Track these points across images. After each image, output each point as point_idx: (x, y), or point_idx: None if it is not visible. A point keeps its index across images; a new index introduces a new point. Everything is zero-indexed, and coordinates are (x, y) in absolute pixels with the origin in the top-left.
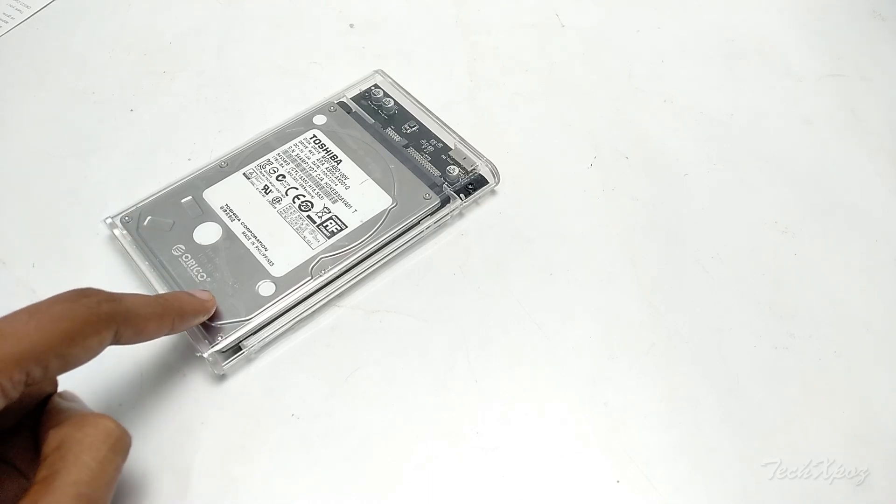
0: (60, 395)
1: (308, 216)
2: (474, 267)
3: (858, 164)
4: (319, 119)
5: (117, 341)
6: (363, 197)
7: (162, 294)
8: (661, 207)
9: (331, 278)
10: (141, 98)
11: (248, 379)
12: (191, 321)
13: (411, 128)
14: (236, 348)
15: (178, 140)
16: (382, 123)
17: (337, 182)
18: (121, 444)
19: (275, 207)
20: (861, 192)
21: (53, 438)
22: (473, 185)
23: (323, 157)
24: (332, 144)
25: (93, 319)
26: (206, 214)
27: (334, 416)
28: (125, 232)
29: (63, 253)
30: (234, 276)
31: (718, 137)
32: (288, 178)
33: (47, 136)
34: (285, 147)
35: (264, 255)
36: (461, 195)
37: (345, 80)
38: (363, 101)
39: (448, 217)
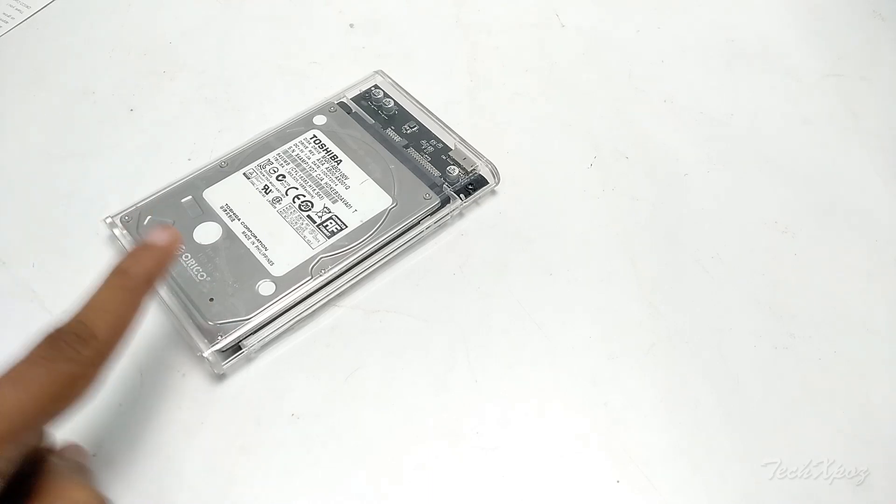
0: (58, 452)
1: (308, 216)
2: (474, 267)
3: (858, 164)
4: (319, 119)
5: (109, 367)
6: (363, 197)
7: (122, 269)
8: (661, 207)
9: (331, 278)
10: (141, 98)
11: (247, 379)
12: (161, 277)
13: (411, 128)
14: (236, 348)
15: (178, 140)
16: (382, 124)
17: (337, 182)
18: None
19: (275, 207)
20: (861, 192)
21: None
22: (473, 185)
23: (323, 157)
24: (332, 144)
25: (79, 371)
26: (206, 214)
27: (334, 416)
28: (125, 231)
29: (63, 253)
30: (234, 276)
31: (718, 137)
32: (288, 178)
33: (47, 136)
34: (285, 147)
35: (264, 254)
36: (461, 195)
37: (345, 81)
38: (363, 102)
39: (448, 217)
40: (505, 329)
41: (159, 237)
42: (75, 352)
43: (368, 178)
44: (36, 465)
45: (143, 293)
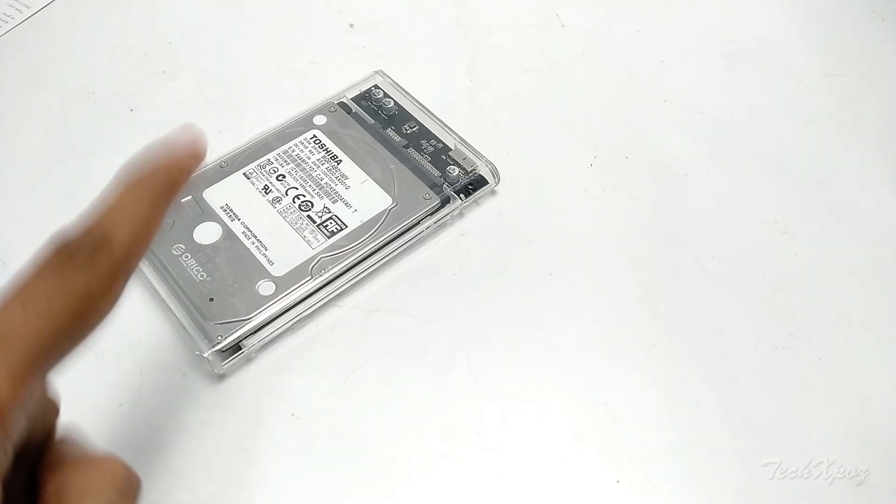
0: (63, 440)
1: (308, 216)
2: (474, 267)
3: (858, 164)
4: (319, 119)
5: (129, 278)
6: (363, 197)
7: (143, 172)
8: (661, 207)
9: (331, 278)
10: (141, 98)
11: (248, 379)
12: (185, 182)
13: (411, 128)
14: (236, 348)
15: None
16: (382, 124)
17: (337, 182)
18: (130, 490)
19: (275, 207)
20: (861, 192)
21: (52, 484)
22: (473, 185)
23: (323, 157)
24: (332, 144)
25: (95, 281)
26: (206, 214)
27: (334, 416)
28: None
29: None
30: (234, 276)
31: (718, 137)
32: (288, 178)
33: (47, 136)
34: (285, 147)
35: (264, 254)
36: (461, 195)
37: (345, 81)
38: (363, 102)
39: (448, 217)
40: (505, 329)
41: (184, 137)
42: (90, 259)
43: (368, 178)
44: (50, 448)
45: (162, 197)
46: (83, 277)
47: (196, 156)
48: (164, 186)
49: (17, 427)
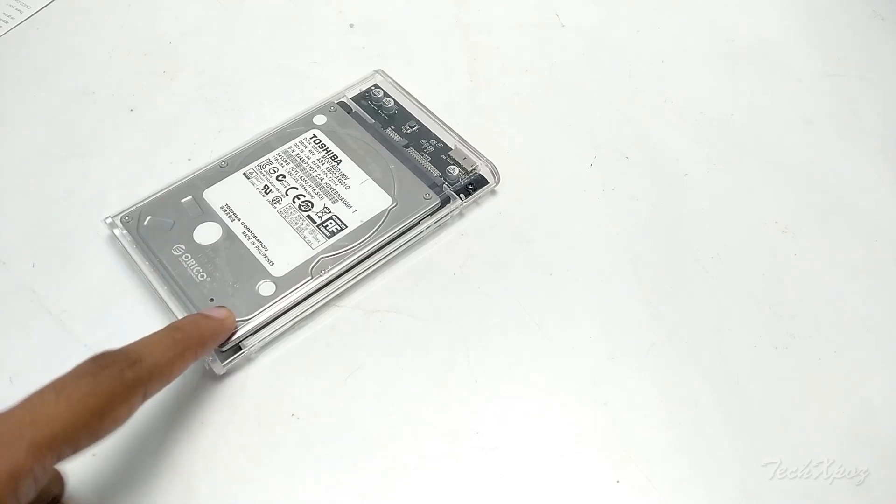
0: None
1: (308, 216)
2: (474, 267)
3: (858, 164)
4: (319, 119)
5: (145, 400)
6: (363, 197)
7: (178, 325)
8: (661, 207)
9: (331, 278)
10: (141, 98)
11: (248, 379)
12: (212, 347)
13: (411, 128)
14: (236, 348)
15: (178, 140)
16: (382, 123)
17: (337, 182)
18: None
19: (275, 207)
20: (861, 192)
21: None
22: (473, 185)
23: (323, 157)
24: (332, 144)
25: (119, 390)
26: (207, 214)
27: (334, 416)
28: (125, 232)
29: (63, 253)
30: (234, 276)
31: (718, 138)
32: (288, 178)
33: (47, 136)
34: (285, 147)
35: (264, 255)
36: (461, 195)
37: (345, 80)
38: (363, 101)
39: (448, 217)
40: (505, 329)
41: (218, 312)
42: (119, 371)
43: (368, 177)
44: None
45: (190, 350)
46: (111, 384)
47: (224, 329)
48: (192, 341)
49: (27, 495)
